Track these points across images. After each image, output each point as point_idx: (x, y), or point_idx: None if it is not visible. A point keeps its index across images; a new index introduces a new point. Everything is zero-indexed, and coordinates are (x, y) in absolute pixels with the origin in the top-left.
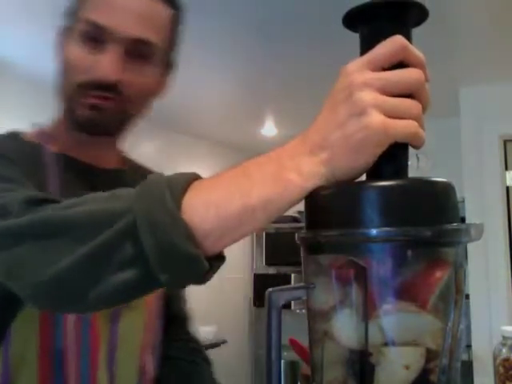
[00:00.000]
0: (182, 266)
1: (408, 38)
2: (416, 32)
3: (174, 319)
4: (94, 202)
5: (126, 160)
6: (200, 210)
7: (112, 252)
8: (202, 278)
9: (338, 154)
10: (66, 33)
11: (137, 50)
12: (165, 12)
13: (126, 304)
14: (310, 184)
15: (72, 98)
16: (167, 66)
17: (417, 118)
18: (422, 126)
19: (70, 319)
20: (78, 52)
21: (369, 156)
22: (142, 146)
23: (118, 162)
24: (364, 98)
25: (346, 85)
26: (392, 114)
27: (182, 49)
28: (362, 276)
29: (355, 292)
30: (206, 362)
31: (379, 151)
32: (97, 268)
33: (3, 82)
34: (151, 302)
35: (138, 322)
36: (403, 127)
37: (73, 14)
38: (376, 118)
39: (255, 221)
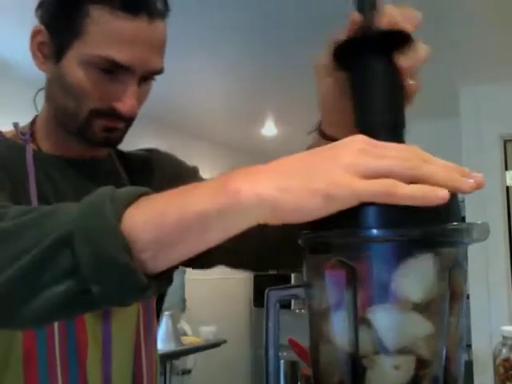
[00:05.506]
0: (116, 277)
1: (393, 63)
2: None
3: None
4: (36, 213)
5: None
6: (139, 222)
7: (47, 264)
8: (138, 293)
9: (294, 189)
10: (55, 54)
11: (147, 76)
12: (165, 30)
13: (65, 320)
14: (261, 190)
15: (83, 119)
16: None
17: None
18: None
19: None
20: (92, 80)
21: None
22: (143, 147)
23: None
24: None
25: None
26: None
27: (182, 50)
28: (353, 277)
29: (347, 293)
30: None
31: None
32: (31, 282)
33: (3, 81)
34: None
35: (131, 320)
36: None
37: (66, 39)
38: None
39: (196, 235)
